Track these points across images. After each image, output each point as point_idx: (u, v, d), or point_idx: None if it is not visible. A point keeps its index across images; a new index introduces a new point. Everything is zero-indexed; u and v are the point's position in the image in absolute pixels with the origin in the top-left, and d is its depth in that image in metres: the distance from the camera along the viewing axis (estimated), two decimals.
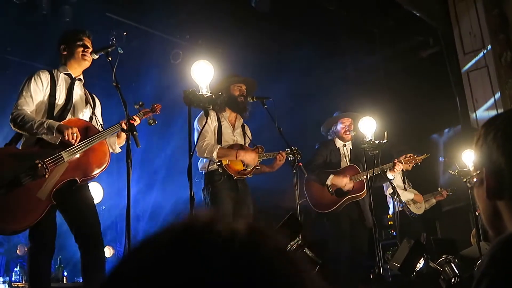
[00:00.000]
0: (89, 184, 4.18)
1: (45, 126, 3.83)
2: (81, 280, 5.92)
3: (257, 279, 0.57)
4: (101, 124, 4.28)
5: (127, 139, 3.67)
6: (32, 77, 4.07)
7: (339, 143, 6.26)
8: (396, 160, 6.03)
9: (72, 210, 3.98)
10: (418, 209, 7.53)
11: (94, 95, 4.42)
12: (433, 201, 7.88)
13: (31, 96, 4.00)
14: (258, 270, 0.57)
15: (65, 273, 7.33)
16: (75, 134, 3.80)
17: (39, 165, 3.73)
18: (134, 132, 3.68)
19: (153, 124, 4.41)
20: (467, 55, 7.70)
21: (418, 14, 7.87)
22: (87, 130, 4.02)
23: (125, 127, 4.01)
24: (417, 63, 8.86)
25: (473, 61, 7.59)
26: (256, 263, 0.58)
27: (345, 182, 5.96)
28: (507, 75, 7.19)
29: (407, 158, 6.20)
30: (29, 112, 3.94)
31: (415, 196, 7.54)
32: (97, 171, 3.98)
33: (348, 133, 6.16)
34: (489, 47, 7.41)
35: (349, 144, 6.29)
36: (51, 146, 3.88)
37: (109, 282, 0.61)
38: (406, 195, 7.37)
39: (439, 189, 7.89)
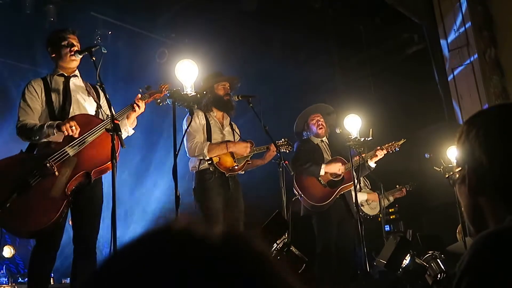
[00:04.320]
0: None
1: (45, 127, 3.89)
2: (68, 281, 5.89)
3: (228, 282, 0.57)
4: (107, 115, 4.23)
5: (112, 140, 3.64)
6: (26, 88, 4.14)
7: (316, 140, 6.23)
8: (378, 148, 6.02)
9: (80, 213, 4.01)
10: (372, 210, 7.44)
11: (97, 86, 4.32)
12: (391, 198, 7.77)
13: (28, 106, 4.06)
14: (230, 273, 0.58)
15: (52, 274, 7.28)
16: (73, 127, 3.82)
17: (47, 164, 3.78)
18: (119, 132, 3.65)
19: (161, 103, 4.36)
20: (451, 52, 7.75)
21: (403, 12, 7.90)
22: (89, 122, 4.02)
23: (136, 109, 4.11)
24: (403, 60, 8.90)
25: (458, 57, 7.64)
26: (228, 266, 0.59)
27: (338, 167, 5.92)
28: (491, 71, 7.24)
29: (388, 145, 6.18)
30: (31, 121, 4.00)
31: (369, 195, 7.45)
32: (107, 161, 3.94)
33: (321, 127, 6.15)
34: (474, 44, 7.46)
35: (325, 140, 6.29)
36: (58, 145, 3.92)
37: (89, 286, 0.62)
38: (359, 197, 7.13)
39: (397, 186, 7.83)
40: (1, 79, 7.52)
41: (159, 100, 4.36)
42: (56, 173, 3.81)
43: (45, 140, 3.97)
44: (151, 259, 0.59)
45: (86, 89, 4.33)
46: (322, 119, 6.19)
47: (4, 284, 6.69)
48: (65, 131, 3.81)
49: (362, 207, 7.21)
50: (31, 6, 7.00)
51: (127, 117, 4.21)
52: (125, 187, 8.28)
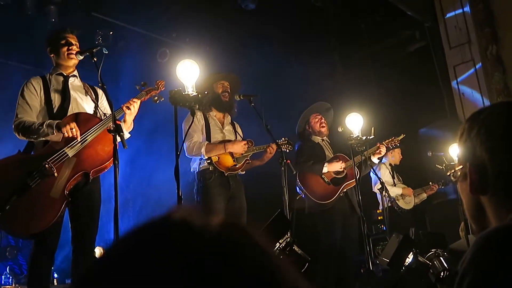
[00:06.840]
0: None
1: (44, 126, 3.87)
2: (70, 281, 5.91)
3: (223, 273, 0.57)
4: (104, 114, 4.26)
5: (114, 140, 3.64)
6: (24, 85, 4.12)
7: (317, 139, 6.27)
8: (379, 143, 6.04)
9: (78, 212, 4.00)
10: (407, 204, 7.54)
11: (95, 87, 4.41)
12: (424, 195, 7.89)
13: (27, 103, 4.04)
14: (225, 263, 0.58)
15: (55, 275, 7.29)
16: (73, 129, 3.82)
17: (46, 165, 3.77)
18: (121, 133, 3.65)
19: (158, 101, 4.38)
20: (453, 49, 7.72)
21: (404, 9, 7.89)
22: (87, 122, 4.02)
23: (126, 111, 4.07)
24: (404, 57, 8.89)
25: (459, 55, 7.62)
26: (225, 257, 0.58)
27: (340, 166, 5.95)
28: (493, 68, 7.21)
29: (388, 140, 6.20)
30: (29, 118, 3.98)
31: (404, 190, 7.55)
32: (106, 160, 3.98)
33: (324, 125, 6.20)
34: (475, 40, 7.44)
35: (326, 138, 6.32)
36: (57, 145, 3.91)
37: (88, 276, 0.62)
38: (395, 191, 7.39)
39: (430, 183, 7.91)
40: (2, 79, 7.53)
41: (156, 98, 4.37)
42: (56, 174, 3.81)
43: (43, 139, 3.96)
44: (150, 249, 0.59)
45: (85, 89, 4.33)
46: (323, 118, 6.23)
47: (8, 285, 6.70)
48: (65, 133, 3.80)
49: (397, 201, 7.35)
50: (33, 7, 7.01)
51: (124, 121, 4.18)
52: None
